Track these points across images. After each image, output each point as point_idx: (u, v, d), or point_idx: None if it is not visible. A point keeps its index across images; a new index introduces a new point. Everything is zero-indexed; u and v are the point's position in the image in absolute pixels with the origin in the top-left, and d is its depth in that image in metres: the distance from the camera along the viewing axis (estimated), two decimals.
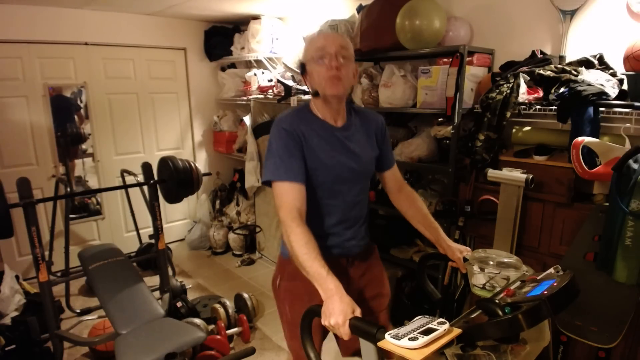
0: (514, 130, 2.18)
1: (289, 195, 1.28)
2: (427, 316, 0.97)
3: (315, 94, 1.37)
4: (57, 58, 3.56)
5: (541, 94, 2.01)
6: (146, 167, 2.68)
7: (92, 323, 2.80)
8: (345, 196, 1.43)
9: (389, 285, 1.62)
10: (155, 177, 2.71)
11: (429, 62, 2.62)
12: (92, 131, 3.83)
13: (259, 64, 4.09)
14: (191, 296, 3.18)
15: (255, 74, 3.91)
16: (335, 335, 1.24)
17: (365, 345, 1.01)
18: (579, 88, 1.79)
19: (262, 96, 3.80)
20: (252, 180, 3.84)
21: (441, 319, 0.93)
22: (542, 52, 2.15)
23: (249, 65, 4.24)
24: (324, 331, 1.45)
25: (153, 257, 3.14)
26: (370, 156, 1.49)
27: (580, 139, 1.75)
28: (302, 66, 1.40)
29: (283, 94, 3.46)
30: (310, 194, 1.35)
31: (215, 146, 4.59)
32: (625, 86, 1.87)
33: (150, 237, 3.60)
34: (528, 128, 2.16)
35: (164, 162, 2.65)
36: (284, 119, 1.38)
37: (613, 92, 1.81)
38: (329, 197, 1.40)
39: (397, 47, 2.49)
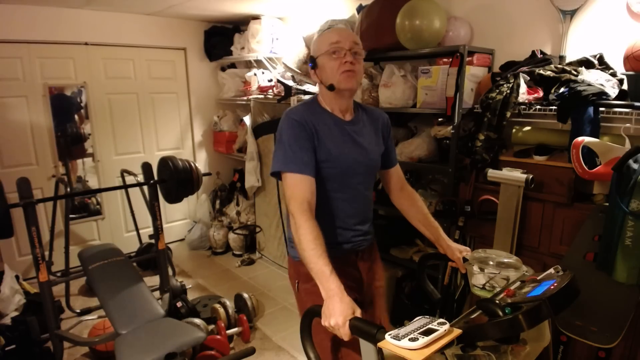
0: (514, 130, 2.18)
1: (299, 187, 1.28)
2: (427, 316, 0.97)
3: (330, 88, 1.37)
4: (57, 58, 3.56)
5: (541, 94, 2.01)
6: (146, 167, 2.68)
7: (92, 323, 2.80)
8: (354, 190, 1.44)
9: (389, 285, 1.63)
10: (155, 177, 2.70)
11: (429, 62, 2.62)
12: (92, 131, 3.83)
13: (259, 64, 4.08)
14: (191, 296, 3.18)
15: (255, 74, 3.91)
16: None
17: (365, 346, 1.01)
18: (579, 88, 1.79)
19: (262, 96, 3.80)
20: (252, 180, 3.84)
21: (441, 320, 0.93)
22: (542, 52, 2.15)
23: (249, 65, 4.23)
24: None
25: (153, 257, 3.14)
26: (377, 152, 1.51)
27: (580, 139, 1.75)
28: (313, 60, 1.40)
29: (283, 94, 3.45)
30: (320, 187, 1.36)
31: (215, 146, 4.59)
32: (625, 86, 1.87)
33: (150, 237, 3.60)
34: (528, 128, 2.16)
35: (164, 162, 2.65)
36: (294, 110, 1.38)
37: (613, 92, 1.81)
38: (338, 190, 1.41)
39: (397, 47, 2.49)
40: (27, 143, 3.53)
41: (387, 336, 0.90)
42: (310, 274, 1.18)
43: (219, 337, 2.49)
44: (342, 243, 1.45)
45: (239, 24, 4.27)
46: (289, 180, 1.29)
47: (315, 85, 1.41)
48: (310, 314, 1.15)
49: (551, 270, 1.12)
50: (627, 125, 1.82)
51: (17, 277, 3.11)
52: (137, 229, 3.69)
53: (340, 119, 1.42)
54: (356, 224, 1.47)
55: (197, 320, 2.57)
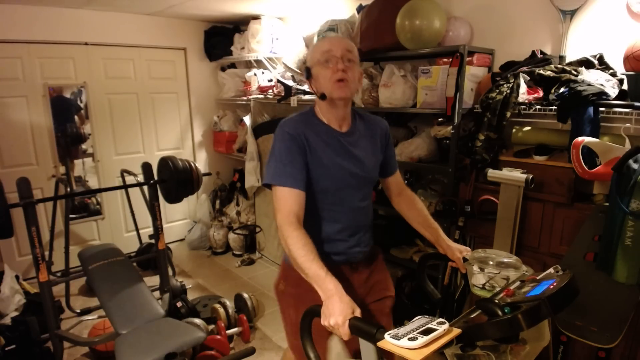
0: (514, 130, 2.18)
1: (287, 201, 1.28)
2: (427, 316, 0.97)
3: (322, 98, 1.36)
4: (57, 58, 3.56)
5: (541, 94, 2.01)
6: (146, 167, 2.68)
7: (92, 323, 2.81)
8: (349, 202, 1.43)
9: None
10: (155, 177, 2.71)
11: (429, 62, 2.62)
12: (92, 131, 3.83)
13: (259, 64, 4.08)
14: (191, 296, 3.18)
15: (255, 74, 3.91)
16: None
17: (364, 346, 1.01)
18: (579, 88, 1.79)
19: (262, 96, 3.80)
20: (252, 180, 3.84)
21: (441, 319, 0.93)
22: (542, 52, 2.15)
23: (249, 65, 4.24)
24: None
25: (153, 257, 3.14)
26: (375, 162, 1.49)
27: (580, 139, 1.75)
28: (308, 70, 1.40)
29: (283, 94, 3.46)
30: (314, 200, 1.36)
31: (215, 146, 4.59)
32: (625, 86, 1.87)
33: (150, 237, 3.60)
34: (528, 128, 2.16)
35: (164, 162, 2.65)
36: (288, 122, 1.38)
37: (613, 92, 1.81)
38: (332, 203, 1.40)
39: (397, 47, 2.49)
40: (27, 143, 3.53)
41: (386, 336, 0.90)
42: (299, 280, 1.19)
43: (219, 337, 2.49)
44: (335, 254, 1.44)
45: (239, 24, 4.27)
46: (278, 193, 1.30)
47: None
48: (310, 314, 1.15)
49: (551, 270, 1.12)
50: (627, 125, 1.82)
51: (17, 277, 3.11)
52: (137, 229, 3.69)
53: (336, 130, 1.41)
54: (350, 235, 1.45)
55: (197, 320, 2.57)
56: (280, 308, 1.56)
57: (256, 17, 3.84)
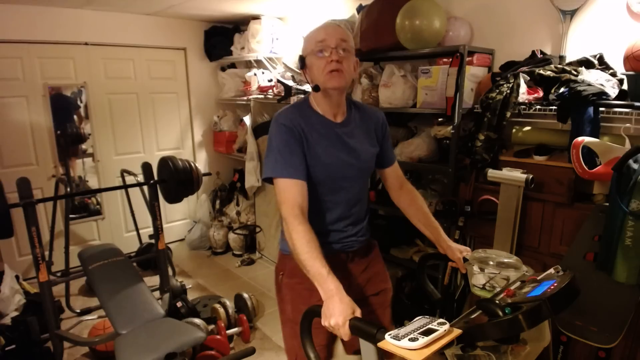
0: (514, 130, 2.18)
1: (290, 192, 1.28)
2: (427, 316, 0.96)
3: (316, 89, 1.35)
4: (57, 58, 3.56)
5: (541, 94, 2.01)
6: (146, 167, 2.68)
7: (92, 323, 2.81)
8: (346, 193, 1.42)
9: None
10: (155, 177, 2.70)
11: (429, 62, 2.62)
12: (92, 131, 3.83)
13: (259, 64, 4.08)
14: (191, 296, 3.18)
15: (255, 74, 3.91)
16: None
17: (365, 346, 1.01)
18: (579, 88, 1.79)
19: (262, 96, 3.80)
20: (252, 180, 3.84)
21: (441, 320, 0.93)
22: (542, 52, 2.15)
23: (249, 65, 4.24)
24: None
25: (153, 257, 3.14)
26: (370, 153, 1.48)
27: (580, 139, 1.75)
28: (302, 60, 1.39)
29: (283, 94, 3.46)
30: (310, 190, 1.35)
31: (215, 146, 4.59)
32: (625, 86, 1.87)
33: (150, 237, 3.60)
34: (528, 128, 2.16)
35: (164, 162, 2.65)
36: (283, 114, 1.37)
37: (613, 92, 1.81)
38: (329, 193, 1.40)
39: (397, 47, 2.49)
40: (27, 143, 3.52)
41: (387, 336, 0.90)
42: (295, 270, 1.19)
43: (219, 337, 2.49)
44: (332, 243, 1.44)
45: (239, 24, 4.27)
46: (280, 185, 1.29)
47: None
48: (310, 314, 1.15)
49: (551, 270, 1.12)
50: (627, 125, 1.82)
51: (17, 277, 3.11)
52: (137, 229, 3.69)
53: (330, 121, 1.40)
54: (347, 225, 1.45)
55: (197, 320, 2.57)
56: (277, 303, 1.56)
57: (256, 17, 3.84)
